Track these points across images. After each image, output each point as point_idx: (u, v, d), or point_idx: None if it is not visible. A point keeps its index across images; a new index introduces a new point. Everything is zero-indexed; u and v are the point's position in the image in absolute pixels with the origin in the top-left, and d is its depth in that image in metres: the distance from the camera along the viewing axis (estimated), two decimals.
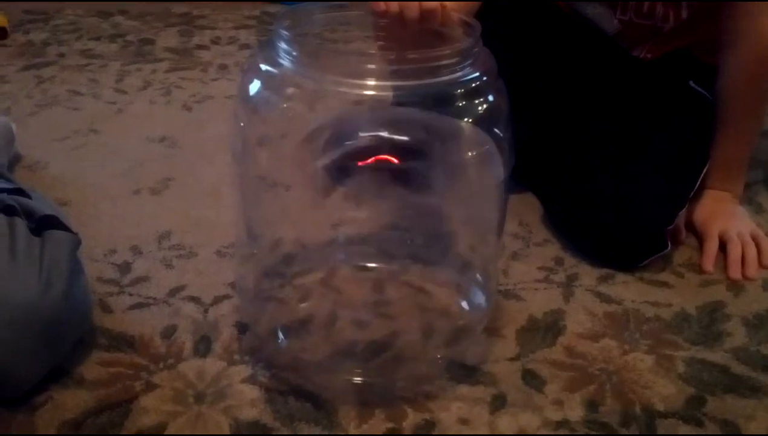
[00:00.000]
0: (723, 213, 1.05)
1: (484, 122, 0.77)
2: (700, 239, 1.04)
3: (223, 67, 1.66)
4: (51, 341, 0.76)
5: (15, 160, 1.23)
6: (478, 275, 0.91)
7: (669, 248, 0.99)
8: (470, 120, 0.76)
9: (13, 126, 1.24)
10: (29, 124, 1.38)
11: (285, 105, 0.79)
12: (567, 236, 1.03)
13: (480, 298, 0.89)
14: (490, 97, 0.75)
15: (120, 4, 2.07)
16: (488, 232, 0.86)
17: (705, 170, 1.04)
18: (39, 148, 1.28)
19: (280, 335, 0.85)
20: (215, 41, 1.83)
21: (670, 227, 0.99)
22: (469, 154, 0.80)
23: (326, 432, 0.73)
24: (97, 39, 1.84)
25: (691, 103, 1.08)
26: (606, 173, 1.04)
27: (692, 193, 1.03)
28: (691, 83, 1.10)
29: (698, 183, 1.03)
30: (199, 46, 1.80)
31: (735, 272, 0.97)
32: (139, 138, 1.33)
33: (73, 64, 1.67)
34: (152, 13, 2.02)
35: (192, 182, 1.18)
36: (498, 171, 0.79)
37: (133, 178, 1.19)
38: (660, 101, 1.10)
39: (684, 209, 1.02)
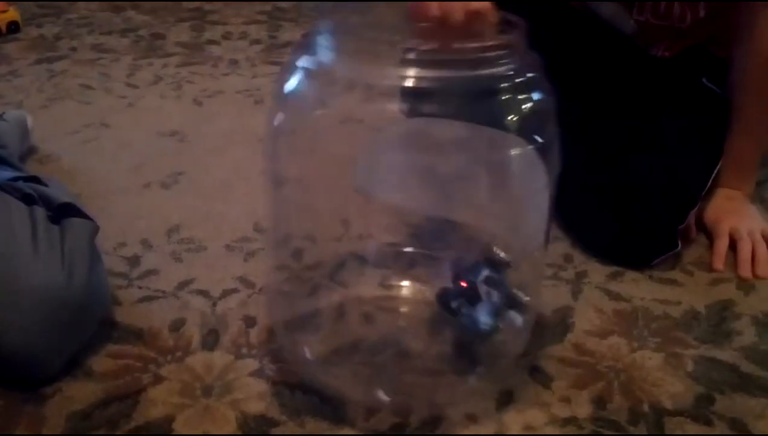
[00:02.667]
0: (734, 211, 1.04)
1: (530, 123, 0.75)
2: (710, 237, 1.03)
3: (233, 63, 1.66)
4: (74, 328, 0.77)
5: (29, 152, 1.23)
6: (516, 292, 0.84)
7: (680, 247, 0.98)
8: (515, 117, 0.75)
9: (29, 119, 1.24)
10: (41, 117, 1.38)
11: (324, 98, 0.79)
12: (577, 236, 1.03)
13: (517, 320, 0.83)
14: (535, 96, 0.74)
15: None
16: (533, 238, 0.82)
17: (717, 169, 1.04)
18: (50, 141, 1.29)
19: (306, 319, 0.86)
20: (226, 36, 1.83)
21: (682, 226, 0.99)
22: (511, 161, 0.79)
23: (333, 426, 0.73)
24: (109, 33, 1.85)
25: (704, 100, 1.07)
26: (617, 172, 1.03)
27: (704, 192, 1.02)
28: (704, 80, 1.09)
29: (710, 181, 1.03)
30: (210, 41, 1.80)
31: (745, 271, 0.97)
32: (150, 132, 1.33)
33: (84, 59, 1.68)
34: (164, 8, 2.03)
35: (202, 177, 1.19)
36: (541, 177, 0.77)
37: (143, 172, 1.20)
38: (672, 100, 1.09)
39: (696, 208, 1.01)
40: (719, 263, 0.98)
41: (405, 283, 0.90)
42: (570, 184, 1.07)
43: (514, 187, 0.81)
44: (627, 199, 1.00)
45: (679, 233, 0.99)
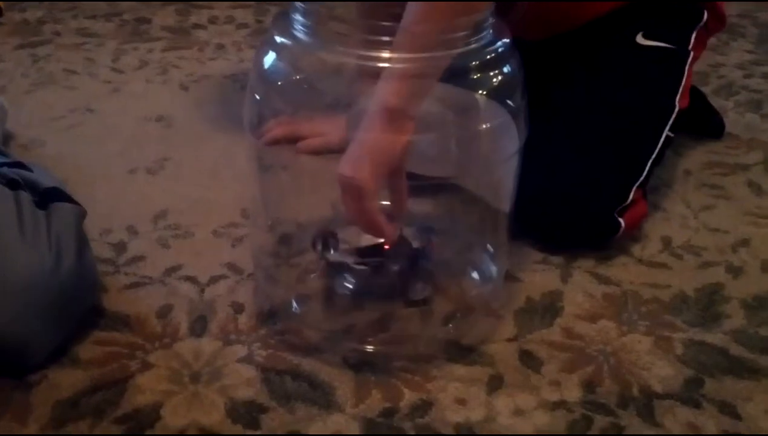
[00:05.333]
0: None
1: (498, 93, 0.76)
2: None
3: (220, 47, 1.65)
4: (63, 314, 0.77)
5: (8, 138, 1.22)
6: (489, 246, 0.91)
7: (623, 226, 0.94)
8: (485, 92, 0.76)
9: (2, 100, 1.22)
10: (25, 102, 1.37)
11: (299, 77, 0.78)
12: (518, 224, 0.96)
13: (491, 268, 0.89)
14: (505, 69, 0.75)
15: None
16: (501, 202, 0.86)
17: (666, 133, 0.98)
18: (34, 127, 1.27)
19: (295, 305, 0.86)
20: (212, 20, 1.81)
21: (626, 204, 0.94)
22: (484, 125, 0.80)
23: (323, 412, 0.73)
24: (93, 17, 1.82)
25: (639, 60, 1.00)
26: (545, 165, 0.95)
27: (651, 161, 0.97)
28: (640, 38, 1.01)
29: (659, 148, 0.97)
30: (197, 26, 1.78)
31: None
32: (136, 117, 1.32)
33: (69, 43, 1.66)
34: None
35: (188, 162, 1.18)
36: (513, 142, 0.78)
37: (129, 157, 1.19)
38: (602, 73, 1.01)
39: (642, 178, 0.96)
40: None
41: None
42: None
43: (489, 149, 0.81)
44: (556, 192, 0.94)
45: (625, 211, 0.94)
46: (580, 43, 1.05)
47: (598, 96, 1.01)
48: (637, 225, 0.98)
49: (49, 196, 0.82)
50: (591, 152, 0.96)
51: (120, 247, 0.96)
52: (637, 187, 0.96)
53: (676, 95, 1.01)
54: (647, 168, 0.97)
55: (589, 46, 1.04)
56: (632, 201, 0.95)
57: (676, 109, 1.00)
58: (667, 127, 1.00)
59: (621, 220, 0.94)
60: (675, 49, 1.01)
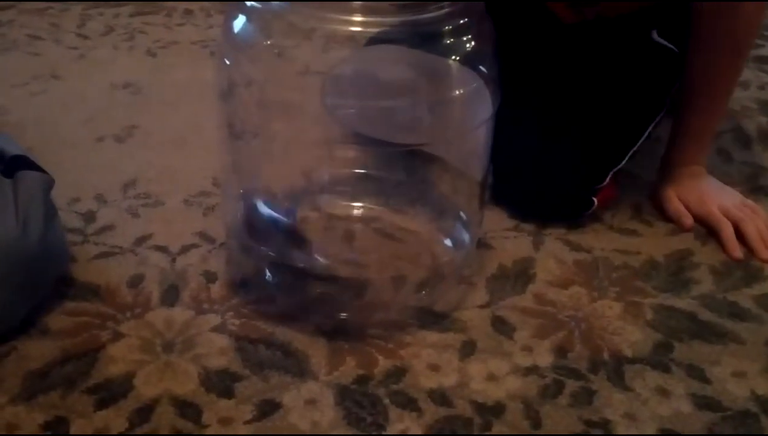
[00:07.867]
0: (712, 190, 0.99)
1: (470, 60, 0.76)
2: (704, 223, 0.97)
3: (188, 12, 1.62)
4: (31, 282, 0.75)
5: None
6: (461, 213, 0.91)
7: (595, 204, 0.96)
8: (457, 58, 0.76)
9: None
10: None
11: (269, 41, 0.77)
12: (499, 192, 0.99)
13: (464, 235, 0.89)
14: (478, 35, 0.75)
15: None
16: (474, 169, 0.85)
17: (651, 128, 1.00)
18: None
19: (268, 273, 0.85)
20: None
21: (601, 186, 0.96)
22: (457, 92, 0.79)
23: (297, 380, 0.73)
24: None
25: (647, 56, 1.03)
26: (533, 138, 0.98)
27: (633, 151, 0.99)
28: (654, 35, 1.04)
29: (642, 140, 1.00)
30: None
31: (764, 251, 0.92)
32: (103, 84, 1.30)
33: (32, 8, 1.62)
34: None
35: (157, 130, 1.16)
36: (485, 109, 0.78)
37: (96, 125, 1.16)
38: (610, 59, 1.03)
39: (620, 165, 0.98)
40: (737, 251, 0.92)
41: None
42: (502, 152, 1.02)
43: (462, 116, 0.81)
44: (537, 165, 0.97)
45: (598, 192, 0.96)
46: (605, 30, 1.06)
47: (598, 79, 1.02)
48: (607, 204, 1.00)
49: (15, 165, 0.81)
50: (579, 132, 0.98)
51: (89, 216, 0.95)
52: (614, 171, 0.98)
53: (668, 95, 1.03)
54: (627, 157, 0.99)
55: (610, 33, 1.06)
56: (606, 182, 0.98)
57: (666, 109, 1.03)
58: (654, 123, 1.02)
59: (594, 199, 0.96)
60: (678, 53, 1.03)
